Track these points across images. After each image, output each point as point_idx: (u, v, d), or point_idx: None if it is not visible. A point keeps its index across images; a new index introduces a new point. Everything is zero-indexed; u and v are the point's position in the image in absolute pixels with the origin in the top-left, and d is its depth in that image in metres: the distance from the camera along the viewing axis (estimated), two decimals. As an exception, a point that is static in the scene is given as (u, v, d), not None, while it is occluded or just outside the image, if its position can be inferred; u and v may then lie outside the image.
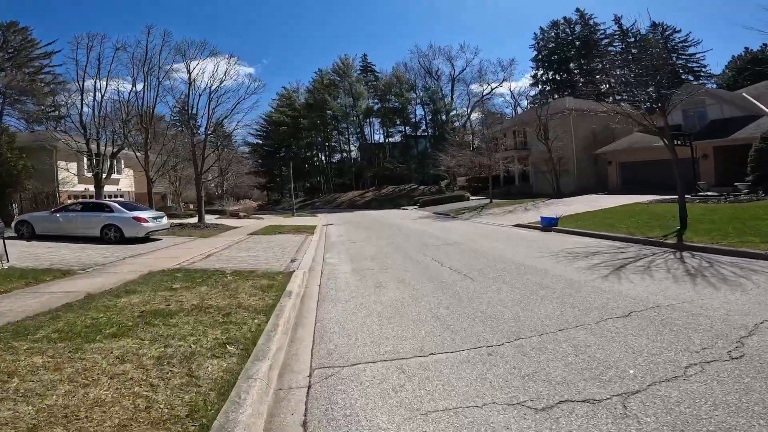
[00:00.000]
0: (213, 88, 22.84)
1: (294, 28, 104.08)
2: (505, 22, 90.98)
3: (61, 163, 24.57)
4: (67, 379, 3.32)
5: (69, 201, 20.84)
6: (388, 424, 2.73)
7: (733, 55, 52.75)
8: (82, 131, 21.96)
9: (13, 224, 14.49)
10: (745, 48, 51.32)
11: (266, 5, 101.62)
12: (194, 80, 22.87)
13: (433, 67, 58.87)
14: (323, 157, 70.70)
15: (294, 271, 7.89)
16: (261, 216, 35.56)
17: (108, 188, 27.38)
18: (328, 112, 60.61)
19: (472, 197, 36.55)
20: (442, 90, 58.09)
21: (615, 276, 6.72)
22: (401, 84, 56.83)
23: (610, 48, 61.52)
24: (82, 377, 3.37)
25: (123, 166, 29.04)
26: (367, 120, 62.10)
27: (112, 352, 3.91)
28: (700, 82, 52.07)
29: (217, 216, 32.52)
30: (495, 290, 6.12)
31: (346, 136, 67.14)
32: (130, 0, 78.82)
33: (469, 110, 58.70)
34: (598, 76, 58.35)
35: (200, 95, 23.79)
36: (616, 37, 61.52)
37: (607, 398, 2.92)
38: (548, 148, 28.90)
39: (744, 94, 27.31)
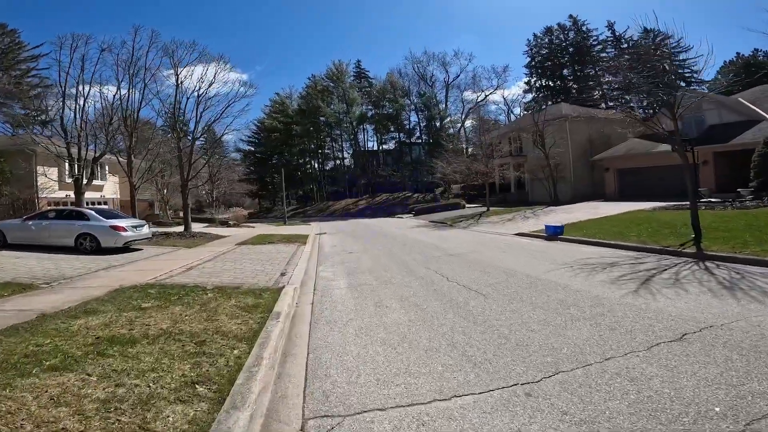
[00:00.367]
0: (202, 90, 22.01)
1: (287, 36, 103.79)
2: (499, 29, 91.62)
3: (42, 169, 23.47)
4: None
5: (47, 207, 19.75)
6: None
7: (725, 61, 53.22)
8: (63, 135, 20.92)
9: (-18, 233, 13.44)
10: (737, 53, 51.86)
11: (259, 12, 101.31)
12: (182, 82, 22.00)
13: (427, 73, 58.64)
14: (316, 165, 69.80)
15: (284, 286, 7.05)
16: (252, 224, 34.56)
17: (91, 195, 26.25)
18: (322, 118, 59.82)
19: (468, 205, 35.91)
20: (436, 96, 57.79)
21: (645, 290, 5.99)
22: (395, 90, 56.34)
23: (603, 54, 61.85)
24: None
25: (107, 172, 27.94)
26: (361, 126, 61.43)
27: (47, 391, 3.10)
28: (693, 87, 52.36)
29: (206, 224, 31.47)
30: (514, 310, 5.35)
31: (340, 143, 66.39)
32: (120, 6, 77.91)
33: (463, 117, 58.50)
34: (602, 79, 58.71)
35: (188, 98, 22.97)
36: (609, 43, 61.84)
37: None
38: (546, 155, 28.40)
39: (740, 99, 27.15)
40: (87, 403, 2.95)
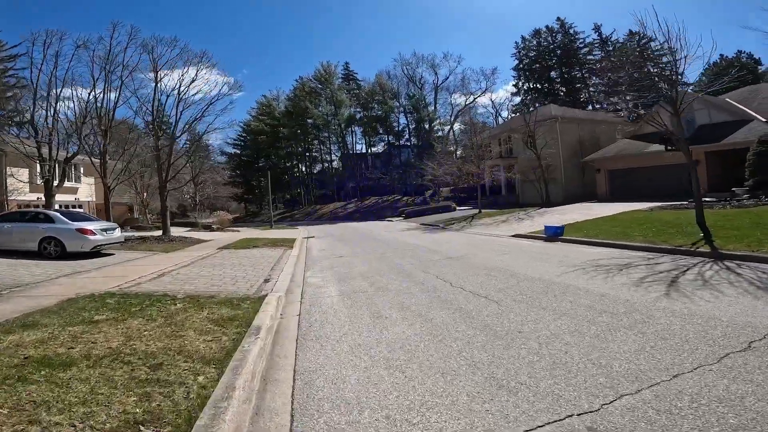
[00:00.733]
0: (182, 87, 20.92)
1: (274, 40, 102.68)
2: (488, 31, 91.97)
3: (11, 170, 22.09)
4: None
5: (13, 210, 18.42)
6: None
7: (709, 63, 53.92)
8: (34, 134, 19.64)
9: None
10: (721, 55, 52.55)
11: (245, 16, 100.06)
12: (161, 79, 20.89)
13: (416, 75, 58.04)
14: (303, 168, 68.63)
15: (267, 295, 6.17)
16: (237, 228, 33.38)
17: (64, 198, 24.88)
18: (309, 120, 58.77)
19: (458, 207, 35.33)
20: (425, 99, 57.23)
21: (678, 293, 5.31)
22: (384, 92, 55.59)
23: (590, 57, 62.37)
24: None
25: (81, 174, 26.53)
26: (350, 129, 60.53)
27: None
28: (682, 89, 52.95)
29: (188, 228, 30.22)
30: (536, 319, 4.59)
31: (328, 146, 65.33)
32: (105, 8, 75.78)
33: (452, 119, 58.12)
34: (589, 81, 59.02)
35: (168, 96, 21.83)
36: (596, 45, 62.38)
37: None
38: (537, 155, 27.97)
39: (728, 99, 27.23)
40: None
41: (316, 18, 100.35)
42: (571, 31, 63.28)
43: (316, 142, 64.58)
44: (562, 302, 5.19)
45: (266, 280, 7.61)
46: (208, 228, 30.88)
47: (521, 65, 65.56)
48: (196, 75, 21.35)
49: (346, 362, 3.62)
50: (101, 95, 20.16)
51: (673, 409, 2.48)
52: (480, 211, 26.93)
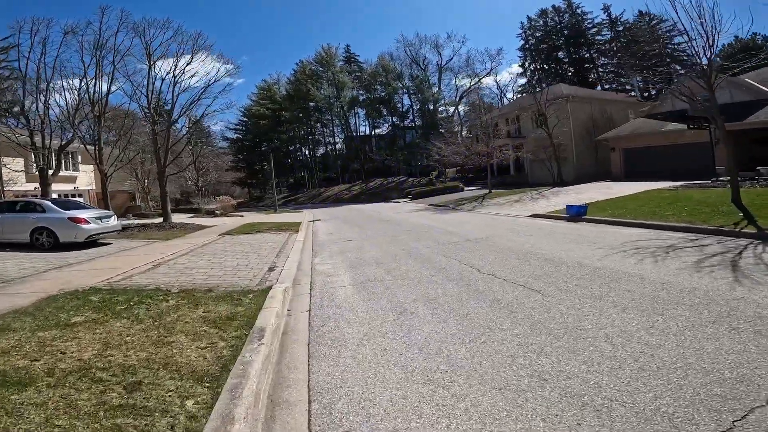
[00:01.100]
0: (176, 71, 19.90)
1: (274, 25, 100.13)
2: (493, 13, 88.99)
3: (7, 160, 21.40)
4: None
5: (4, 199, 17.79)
6: None
7: (724, 44, 52.02)
8: (25, 122, 18.87)
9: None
10: (736, 36, 50.50)
11: (244, 3, 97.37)
12: (155, 62, 19.85)
13: (419, 56, 56.28)
14: (307, 151, 67.46)
15: (271, 286, 5.44)
16: (240, 213, 32.73)
17: (62, 187, 24.25)
18: (311, 103, 57.32)
19: (466, 188, 34.43)
20: (429, 80, 55.62)
21: (748, 280, 4.56)
22: (387, 73, 53.89)
23: (598, 37, 60.37)
24: None
25: (79, 162, 25.80)
26: (353, 110, 59.00)
27: None
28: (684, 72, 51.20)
29: (191, 215, 29.63)
30: (595, 312, 3.84)
31: (331, 128, 63.97)
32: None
33: (457, 99, 56.56)
34: (605, 59, 57.21)
35: (163, 79, 20.80)
36: (605, 25, 60.23)
37: None
38: (549, 134, 26.89)
39: (747, 79, 26.12)
40: None
41: (316, 2, 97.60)
42: (579, 11, 61.06)
43: (318, 125, 63.30)
44: (617, 291, 4.43)
45: (271, 269, 6.90)
46: (211, 214, 30.27)
47: (527, 45, 63.54)
48: (192, 57, 20.32)
49: (372, 376, 2.90)
50: (93, 81, 19.29)
51: None
52: (490, 191, 26.08)
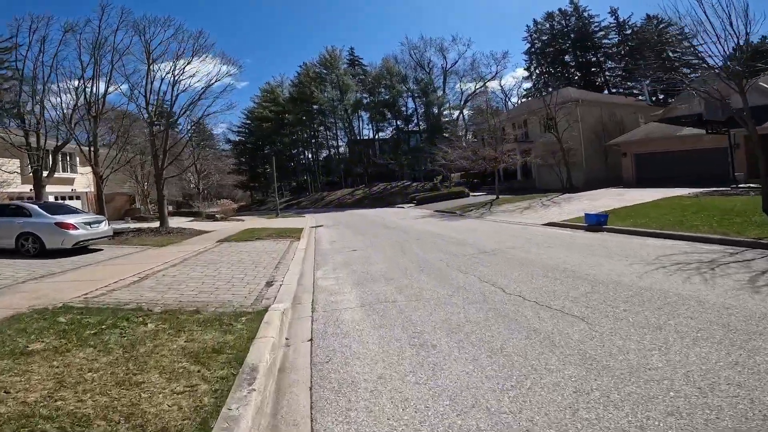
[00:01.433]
0: (177, 70, 19.36)
1: (278, 28, 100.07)
2: (496, 15, 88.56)
3: (2, 161, 20.88)
4: None
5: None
6: None
7: (734, 47, 51.32)
8: (21, 122, 18.34)
9: None
10: (747, 40, 49.86)
11: (247, 4, 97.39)
12: (154, 61, 19.33)
13: (424, 59, 55.68)
14: (309, 155, 66.92)
15: (269, 306, 4.76)
16: (241, 217, 32.14)
17: (59, 189, 23.72)
18: (314, 106, 56.78)
19: (471, 193, 33.72)
20: (434, 83, 55.04)
21: (835, 309, 3.83)
22: (392, 76, 53.30)
23: (605, 41, 59.83)
24: None
25: (77, 164, 25.27)
26: (356, 114, 58.41)
27: None
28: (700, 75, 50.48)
29: (191, 218, 29.04)
30: (662, 345, 3.14)
31: (334, 132, 63.38)
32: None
33: (462, 103, 55.94)
34: (612, 63, 56.52)
35: (162, 79, 20.26)
36: (612, 29, 59.68)
37: None
38: (558, 139, 26.20)
39: (760, 83, 25.42)
40: None
41: (319, 4, 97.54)
42: (585, 14, 60.56)
43: (322, 128, 62.77)
44: (677, 318, 3.73)
45: (269, 283, 6.22)
46: (211, 218, 29.67)
47: (533, 49, 63.03)
48: (192, 57, 19.79)
49: (394, 444, 2.21)
50: (90, 81, 18.76)
51: None
52: (498, 197, 25.37)
